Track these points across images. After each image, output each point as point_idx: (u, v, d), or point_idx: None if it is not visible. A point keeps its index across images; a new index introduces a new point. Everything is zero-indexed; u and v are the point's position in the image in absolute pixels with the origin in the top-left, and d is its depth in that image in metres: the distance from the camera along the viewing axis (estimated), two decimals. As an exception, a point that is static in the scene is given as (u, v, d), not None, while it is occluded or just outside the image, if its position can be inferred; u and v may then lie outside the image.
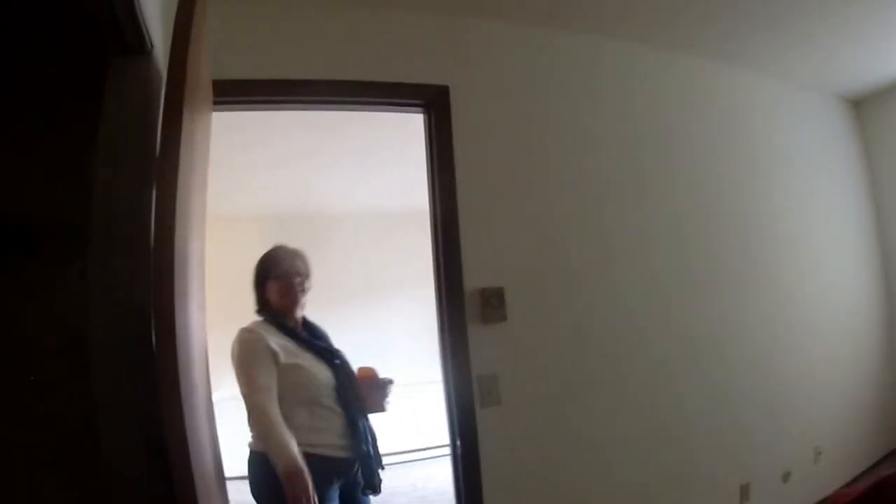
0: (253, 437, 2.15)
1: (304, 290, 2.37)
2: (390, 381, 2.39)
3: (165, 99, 1.37)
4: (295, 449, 1.99)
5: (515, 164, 2.73)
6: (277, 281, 2.33)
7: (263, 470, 2.03)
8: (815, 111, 4.11)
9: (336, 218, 6.55)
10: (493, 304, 2.53)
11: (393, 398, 2.39)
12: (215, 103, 2.07)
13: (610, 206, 2.92)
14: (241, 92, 2.33)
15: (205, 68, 1.77)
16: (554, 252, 2.73)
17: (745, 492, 3.12)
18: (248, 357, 2.14)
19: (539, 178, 2.77)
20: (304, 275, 2.39)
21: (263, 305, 2.36)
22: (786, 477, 3.33)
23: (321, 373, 2.23)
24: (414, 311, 6.04)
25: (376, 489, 2.31)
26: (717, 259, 3.25)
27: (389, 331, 6.69)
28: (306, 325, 2.42)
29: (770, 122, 3.72)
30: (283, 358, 2.16)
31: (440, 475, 5.61)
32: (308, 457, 2.02)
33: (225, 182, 4.99)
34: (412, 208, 4.44)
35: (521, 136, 2.77)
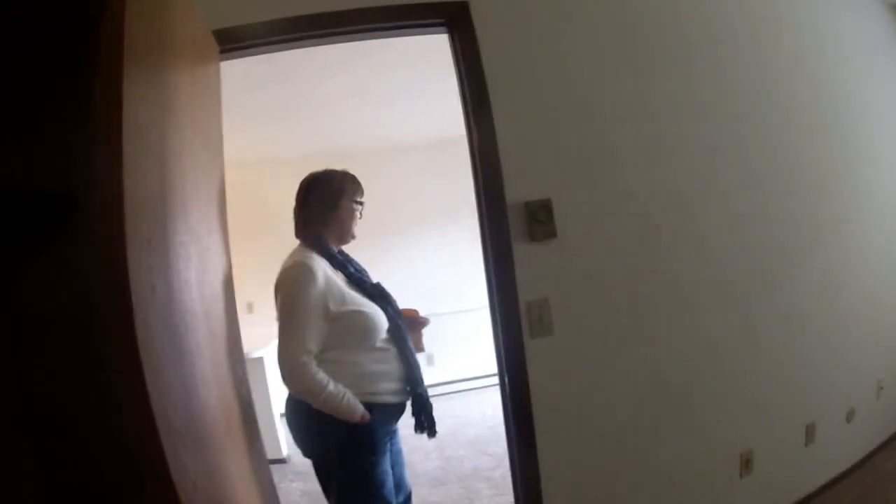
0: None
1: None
2: (427, 321, 2.26)
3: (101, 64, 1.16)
4: (358, 405, 1.89)
5: (550, 65, 2.30)
6: (352, 205, 2.10)
7: (309, 419, 1.92)
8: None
9: (374, 153, 6.24)
10: (541, 218, 2.17)
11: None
12: (224, 51, 2.06)
13: (662, 107, 2.44)
14: (253, 35, 2.13)
15: (188, 23, 1.67)
16: (605, 159, 2.32)
17: (810, 433, 2.80)
18: (297, 303, 1.88)
19: (580, 77, 2.33)
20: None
21: (317, 233, 2.06)
22: (850, 416, 3.02)
23: (378, 314, 2.01)
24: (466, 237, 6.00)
25: (433, 431, 2.15)
26: (788, 165, 2.74)
27: (440, 261, 6.55)
28: (343, 256, 2.15)
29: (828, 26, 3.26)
30: (338, 303, 1.92)
31: None
32: (373, 406, 1.93)
33: (272, 126, 4.94)
34: (451, 136, 4.61)
35: (556, 36, 2.32)
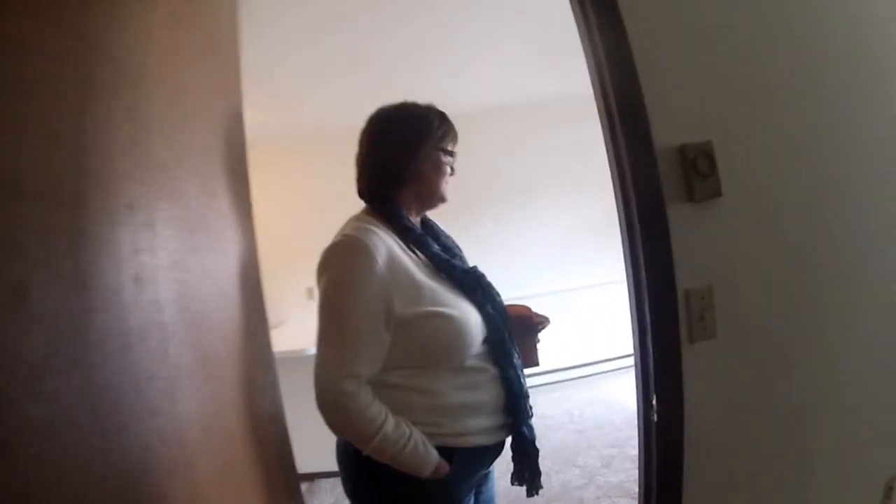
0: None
1: None
2: (547, 322, 1.68)
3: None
4: (432, 453, 1.34)
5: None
6: (438, 154, 1.50)
7: (357, 465, 1.39)
8: None
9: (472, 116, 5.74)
10: (702, 169, 1.49)
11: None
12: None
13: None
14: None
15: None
16: (771, 98, 1.61)
17: None
18: (345, 301, 1.31)
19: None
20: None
21: (387, 193, 1.48)
22: None
23: (470, 317, 1.41)
24: (559, 210, 5.86)
25: (536, 486, 1.54)
26: None
27: (532, 235, 5.99)
28: (426, 227, 1.61)
29: None
30: (408, 301, 1.34)
31: (600, 400, 4.94)
32: (453, 452, 1.37)
33: (334, 84, 4.46)
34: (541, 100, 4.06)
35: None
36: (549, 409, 4.88)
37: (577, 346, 5.66)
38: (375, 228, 1.38)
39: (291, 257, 4.34)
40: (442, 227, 1.67)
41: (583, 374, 5.65)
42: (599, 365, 5.70)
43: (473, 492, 1.49)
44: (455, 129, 1.54)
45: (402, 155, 1.46)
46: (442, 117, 1.52)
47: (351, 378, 1.29)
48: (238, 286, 1.35)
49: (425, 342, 1.35)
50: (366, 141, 1.51)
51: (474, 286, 1.47)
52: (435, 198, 1.53)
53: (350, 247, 1.32)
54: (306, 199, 5.41)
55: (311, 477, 3.86)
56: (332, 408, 1.29)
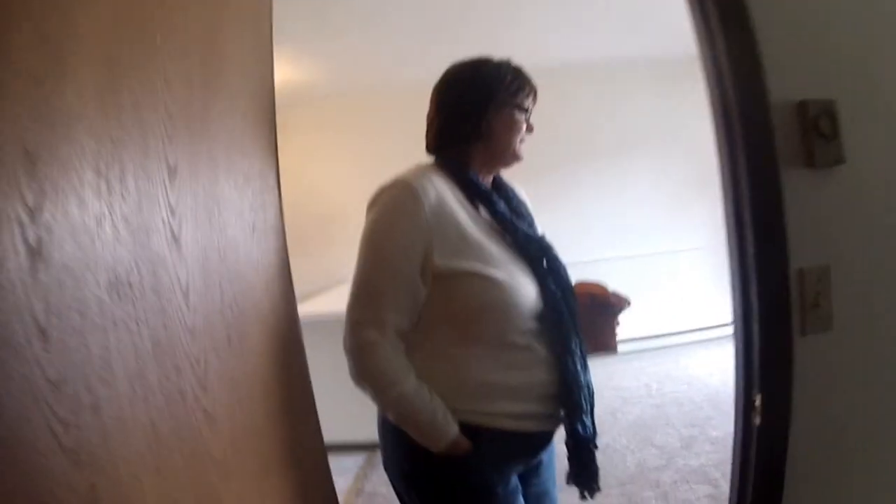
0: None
1: None
2: (627, 303, 1.53)
3: None
4: (450, 426, 1.22)
5: None
6: (512, 111, 1.39)
7: (384, 427, 1.35)
8: None
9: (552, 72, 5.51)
10: (824, 130, 1.26)
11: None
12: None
13: None
14: None
15: None
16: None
17: None
18: (381, 242, 1.26)
19: None
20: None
21: (456, 149, 1.39)
22: None
23: (521, 287, 1.28)
24: (637, 175, 5.57)
25: (591, 489, 1.36)
26: None
27: (609, 198, 5.75)
28: (499, 187, 1.48)
29: None
30: (449, 252, 1.24)
31: (679, 375, 4.70)
32: (481, 432, 1.24)
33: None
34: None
35: None
36: (626, 380, 4.66)
37: (656, 316, 5.39)
38: (433, 176, 1.30)
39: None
40: (520, 191, 1.55)
41: (660, 346, 5.41)
42: (677, 337, 5.46)
43: (519, 484, 1.35)
44: (532, 84, 1.43)
45: (472, 110, 1.36)
46: (516, 72, 1.41)
47: (375, 326, 1.22)
48: (273, 258, 1.25)
49: (463, 304, 1.25)
50: (435, 96, 1.43)
51: (538, 255, 1.34)
52: (507, 156, 1.41)
53: (398, 189, 1.25)
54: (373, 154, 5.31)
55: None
56: (352, 355, 1.25)
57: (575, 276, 1.43)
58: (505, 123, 1.38)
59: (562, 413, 1.32)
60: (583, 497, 1.38)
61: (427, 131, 1.44)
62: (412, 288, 1.23)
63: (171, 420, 0.83)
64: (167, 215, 0.85)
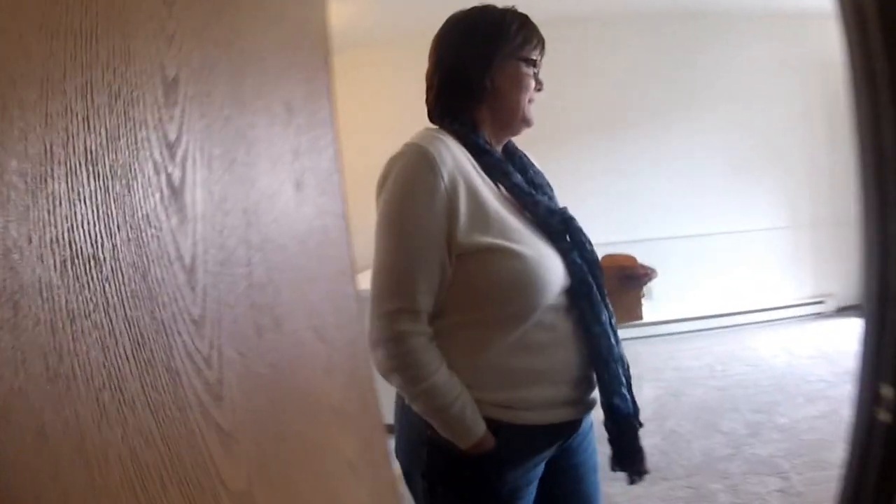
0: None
1: None
2: (653, 273, 1.49)
3: None
4: (479, 424, 1.16)
5: None
6: (518, 64, 1.29)
7: (402, 412, 1.28)
8: None
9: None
10: None
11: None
12: None
13: None
14: None
15: None
16: None
17: None
18: (403, 216, 1.16)
19: None
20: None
21: (460, 109, 1.29)
22: None
23: (549, 261, 1.21)
24: (693, 144, 5.09)
25: (640, 471, 1.30)
26: None
27: (666, 170, 5.26)
28: (512, 157, 1.39)
29: None
30: (473, 228, 1.15)
31: (742, 356, 4.45)
32: (507, 429, 1.18)
33: None
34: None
35: None
36: (688, 359, 4.40)
37: (718, 295, 5.18)
38: (445, 139, 1.20)
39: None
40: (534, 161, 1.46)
41: (723, 325, 5.13)
42: (740, 316, 5.17)
43: (534, 481, 1.28)
44: (539, 34, 1.33)
45: (473, 66, 1.27)
46: (522, 21, 1.31)
47: (406, 314, 1.14)
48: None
49: (487, 282, 1.16)
50: (434, 52, 1.33)
51: (560, 229, 1.26)
52: (516, 119, 1.31)
53: (412, 157, 1.15)
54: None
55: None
56: (384, 348, 1.14)
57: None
58: (512, 79, 1.28)
59: (594, 395, 1.27)
60: (631, 481, 1.31)
61: (427, 91, 1.34)
62: (440, 268, 1.15)
63: (160, 444, 0.59)
64: (161, 156, 0.59)
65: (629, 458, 1.28)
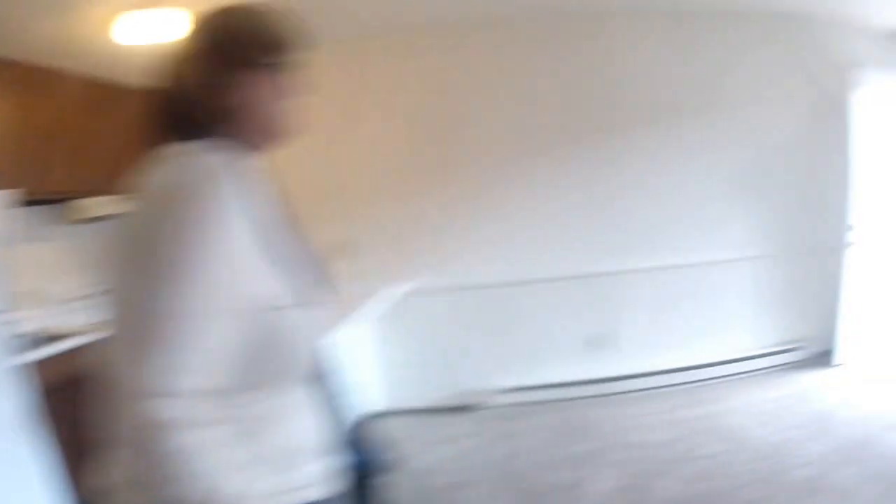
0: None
1: None
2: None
3: None
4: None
5: None
6: (266, 72, 1.13)
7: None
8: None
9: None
10: None
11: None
12: None
13: None
14: None
15: None
16: None
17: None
18: (196, 221, 0.94)
19: None
20: None
21: (205, 132, 1.08)
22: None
23: (307, 312, 1.10)
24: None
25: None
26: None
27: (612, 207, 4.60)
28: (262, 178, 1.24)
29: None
30: (239, 271, 0.99)
31: (724, 422, 3.83)
32: None
33: None
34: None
35: None
36: (656, 430, 3.77)
37: (688, 341, 4.54)
38: (211, 156, 1.02)
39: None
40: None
41: (695, 379, 4.48)
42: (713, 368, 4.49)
43: None
44: (285, 29, 1.18)
45: (214, 83, 1.11)
46: (266, 20, 1.17)
47: (172, 373, 0.94)
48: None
49: (245, 337, 0.99)
50: (173, 67, 1.16)
51: (313, 274, 1.17)
52: (273, 132, 1.17)
53: (211, 173, 0.99)
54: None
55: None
56: (137, 402, 0.93)
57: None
58: (258, 91, 1.13)
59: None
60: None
61: (158, 111, 1.14)
62: (215, 291, 0.98)
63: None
64: None
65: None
